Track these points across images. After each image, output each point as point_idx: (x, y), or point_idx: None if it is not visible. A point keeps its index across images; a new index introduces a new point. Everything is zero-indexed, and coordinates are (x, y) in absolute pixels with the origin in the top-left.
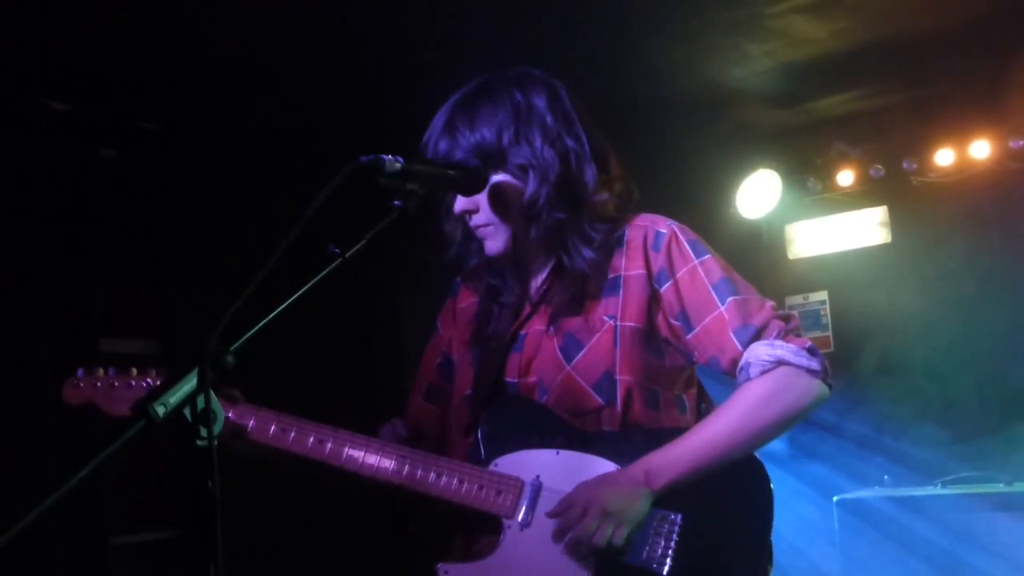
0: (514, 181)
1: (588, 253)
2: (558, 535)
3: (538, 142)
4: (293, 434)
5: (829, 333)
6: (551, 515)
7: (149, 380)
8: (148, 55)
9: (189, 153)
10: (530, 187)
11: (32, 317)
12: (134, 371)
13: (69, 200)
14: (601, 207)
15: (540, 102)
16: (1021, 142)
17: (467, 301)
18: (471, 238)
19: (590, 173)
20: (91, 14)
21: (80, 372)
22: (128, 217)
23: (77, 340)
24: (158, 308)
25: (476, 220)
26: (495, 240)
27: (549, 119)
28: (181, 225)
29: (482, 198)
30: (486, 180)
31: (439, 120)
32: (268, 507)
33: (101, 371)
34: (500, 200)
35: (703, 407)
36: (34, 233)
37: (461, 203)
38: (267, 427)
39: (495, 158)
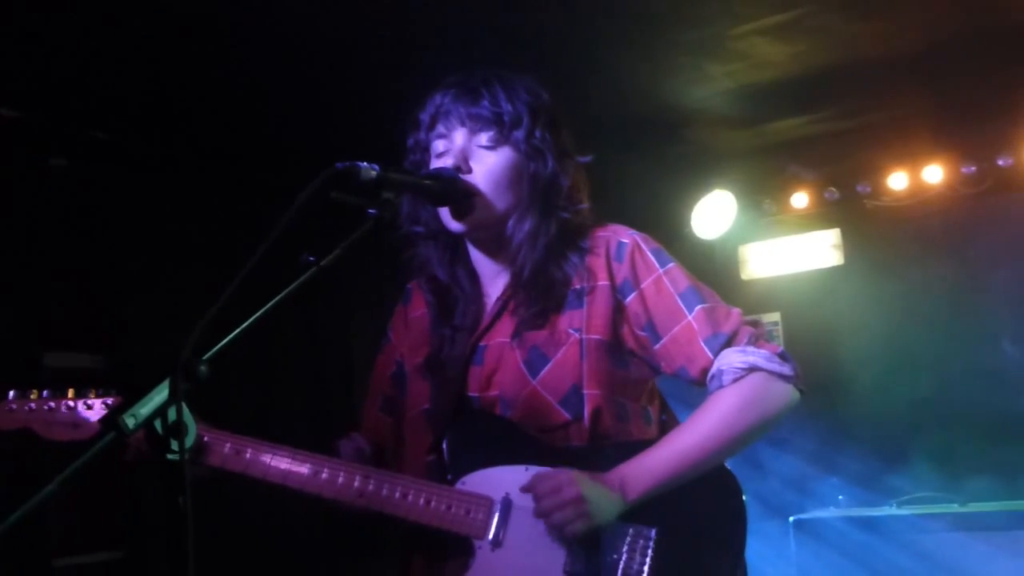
0: (518, 158)
1: (552, 263)
2: (533, 512)
3: (546, 132)
4: (248, 455)
5: None
6: (524, 489)
7: (88, 402)
8: (100, 62)
9: (140, 163)
10: (531, 167)
11: None
12: (71, 392)
13: (16, 209)
14: (572, 216)
15: (547, 99)
16: (973, 168)
17: (419, 310)
18: (432, 221)
19: (566, 181)
20: (41, 20)
21: (12, 395)
22: (77, 228)
23: (21, 354)
24: (106, 322)
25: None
26: (471, 211)
27: (553, 117)
28: (131, 237)
29: (481, 160)
30: (462, 190)
31: (453, 90)
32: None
33: (35, 393)
34: (498, 168)
35: (664, 419)
36: None
37: (456, 153)
38: (221, 448)
39: (511, 129)
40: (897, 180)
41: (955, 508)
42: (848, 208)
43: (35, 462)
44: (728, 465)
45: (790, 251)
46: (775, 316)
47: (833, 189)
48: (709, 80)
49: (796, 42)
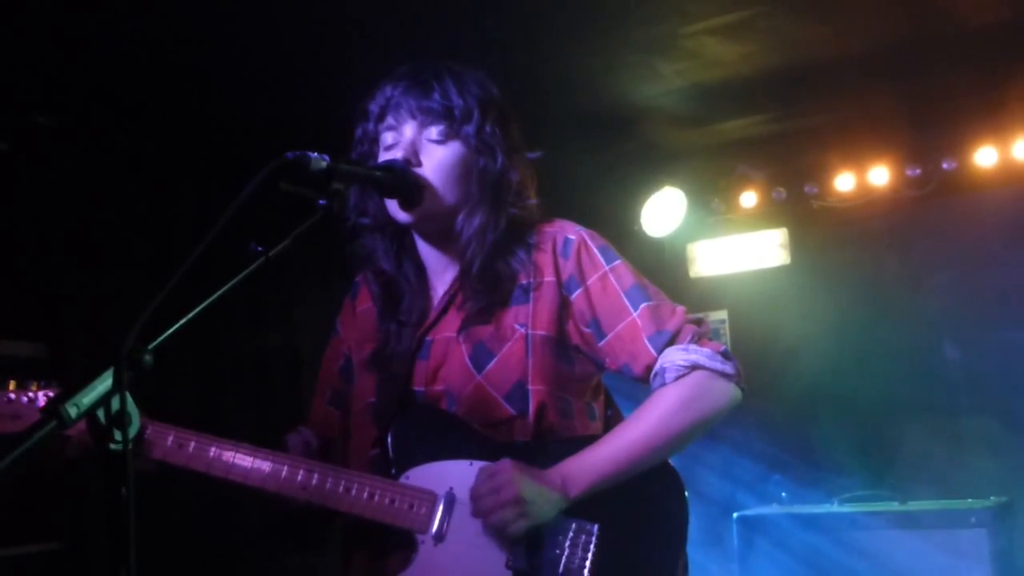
0: (468, 153)
1: (500, 259)
2: (472, 512)
3: (496, 128)
4: (191, 448)
5: None
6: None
7: (30, 394)
8: (42, 46)
9: (83, 148)
10: (480, 162)
11: None
12: (12, 384)
13: None
14: (520, 212)
15: (498, 95)
16: (918, 170)
17: (366, 304)
18: (380, 213)
19: (515, 176)
20: None
21: None
22: (18, 213)
23: None
24: (47, 310)
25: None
26: (420, 203)
27: (503, 112)
28: (73, 223)
29: (431, 154)
30: (413, 183)
31: (404, 81)
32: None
33: None
34: (447, 162)
35: (610, 414)
36: None
37: (405, 146)
38: (163, 440)
39: (461, 124)
40: (844, 181)
41: (895, 507)
42: (795, 208)
43: None
44: (672, 462)
45: (738, 250)
46: (722, 314)
47: (781, 189)
48: (660, 78)
49: (747, 42)
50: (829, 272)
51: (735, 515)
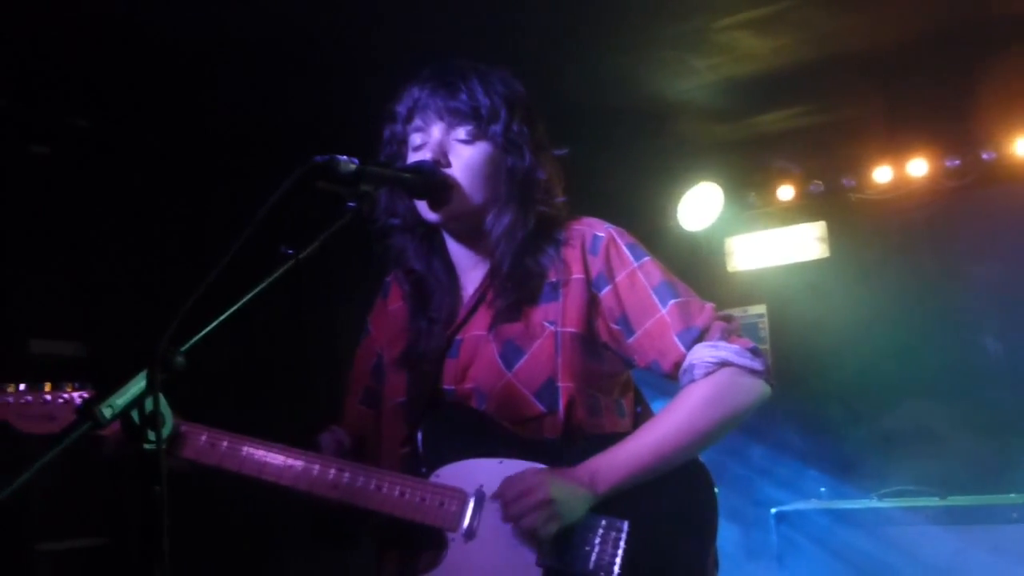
0: (496, 152)
1: (529, 256)
2: (503, 518)
3: (523, 126)
4: (224, 448)
5: (767, 346)
6: (494, 495)
7: (65, 395)
8: (82, 50)
9: (122, 151)
10: (508, 161)
11: None
12: (48, 386)
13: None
14: (548, 209)
15: (523, 93)
16: (957, 161)
17: (397, 303)
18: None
19: (543, 174)
20: (23, 9)
21: None
22: (60, 216)
23: (7, 341)
24: (86, 310)
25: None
26: (448, 202)
27: (530, 110)
28: (114, 225)
29: (459, 154)
30: (442, 184)
31: (431, 82)
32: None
33: (11, 387)
34: (476, 162)
35: (639, 411)
36: None
37: (434, 147)
38: (197, 440)
39: (489, 123)
40: (882, 173)
41: (936, 502)
42: (833, 201)
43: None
44: (711, 457)
45: (776, 244)
46: (760, 308)
47: (818, 182)
48: (693, 73)
49: (779, 36)
50: (868, 265)
51: (773, 511)
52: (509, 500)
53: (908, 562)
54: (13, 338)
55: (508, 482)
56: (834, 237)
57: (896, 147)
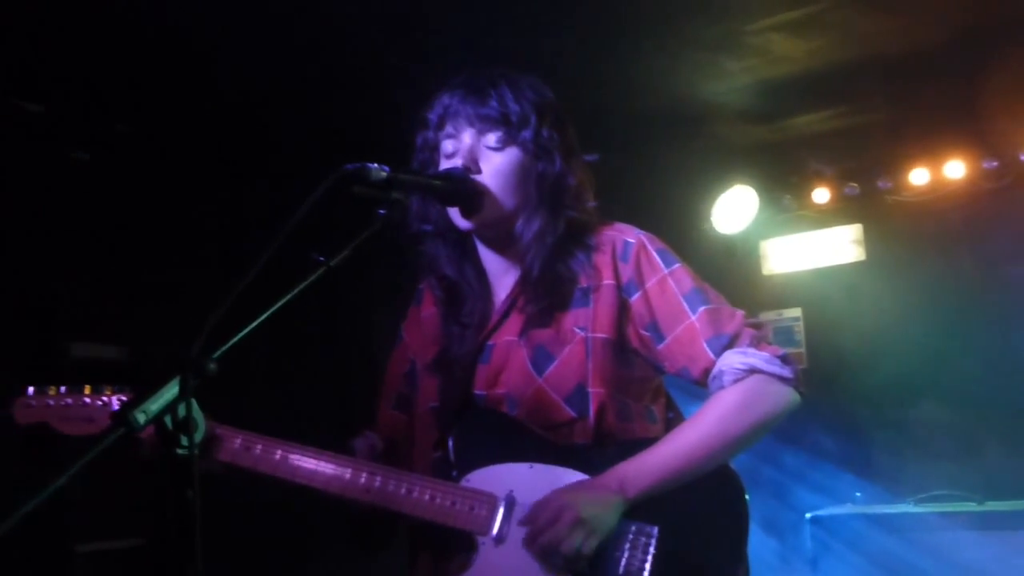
0: (526, 158)
1: (560, 262)
2: (528, 542)
3: (553, 132)
4: (258, 452)
5: (803, 349)
6: (522, 522)
7: (104, 398)
8: (122, 56)
9: (162, 156)
10: (539, 167)
11: (3, 321)
12: (87, 389)
13: (41, 203)
14: (579, 214)
15: (553, 98)
16: (995, 163)
17: (429, 309)
18: (441, 220)
19: (573, 180)
20: (65, 15)
21: (31, 391)
22: (100, 220)
23: (48, 345)
24: (129, 313)
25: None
26: (480, 209)
27: (559, 116)
28: (153, 229)
29: (489, 161)
30: (473, 191)
31: (461, 89)
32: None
33: (52, 389)
34: (506, 168)
35: (671, 417)
36: (5, 236)
37: (465, 154)
38: (231, 444)
39: (519, 130)
40: (918, 175)
41: (973, 507)
42: (869, 204)
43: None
44: (747, 461)
45: (811, 246)
46: (796, 311)
47: (854, 184)
48: (727, 75)
49: (813, 37)
50: (904, 268)
51: (808, 515)
52: (540, 529)
53: (945, 567)
54: (54, 342)
55: (536, 509)
56: (870, 240)
57: (933, 149)
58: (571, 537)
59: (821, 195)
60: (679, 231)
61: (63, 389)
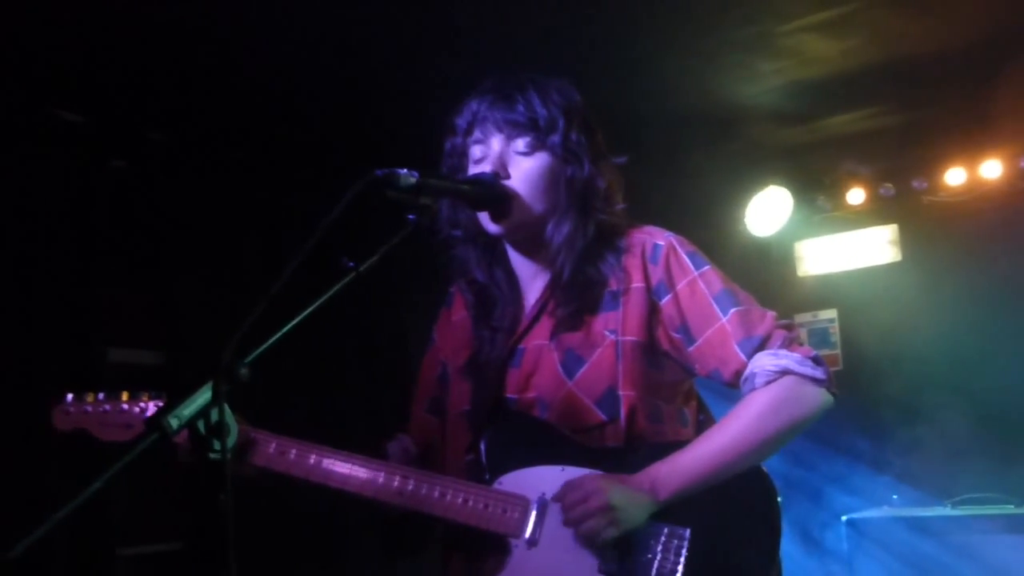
0: (555, 162)
1: (590, 265)
2: (563, 523)
3: (581, 136)
4: (292, 456)
5: (838, 351)
6: (554, 498)
7: (142, 404)
8: (158, 65)
9: (198, 164)
10: (568, 171)
11: (41, 327)
12: (125, 395)
13: (78, 210)
14: (608, 217)
15: (580, 102)
16: None
17: (460, 313)
18: (471, 225)
19: (602, 183)
20: (102, 24)
21: (70, 398)
22: (137, 228)
23: (85, 350)
24: (165, 319)
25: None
26: (509, 214)
27: (587, 119)
28: (189, 236)
29: (518, 166)
30: (502, 195)
31: (489, 95)
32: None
33: (91, 396)
34: (535, 173)
35: (702, 419)
36: (44, 243)
37: (494, 159)
38: (266, 449)
39: (547, 134)
40: (955, 175)
41: (1011, 509)
42: (905, 204)
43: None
44: (781, 464)
45: (846, 247)
46: (831, 313)
47: (889, 185)
48: (759, 77)
49: (846, 38)
50: (941, 269)
51: (844, 518)
52: (569, 505)
53: (982, 570)
54: (91, 347)
55: (568, 487)
56: (906, 241)
57: (969, 148)
58: (592, 521)
59: (856, 196)
60: (713, 233)
61: (101, 396)
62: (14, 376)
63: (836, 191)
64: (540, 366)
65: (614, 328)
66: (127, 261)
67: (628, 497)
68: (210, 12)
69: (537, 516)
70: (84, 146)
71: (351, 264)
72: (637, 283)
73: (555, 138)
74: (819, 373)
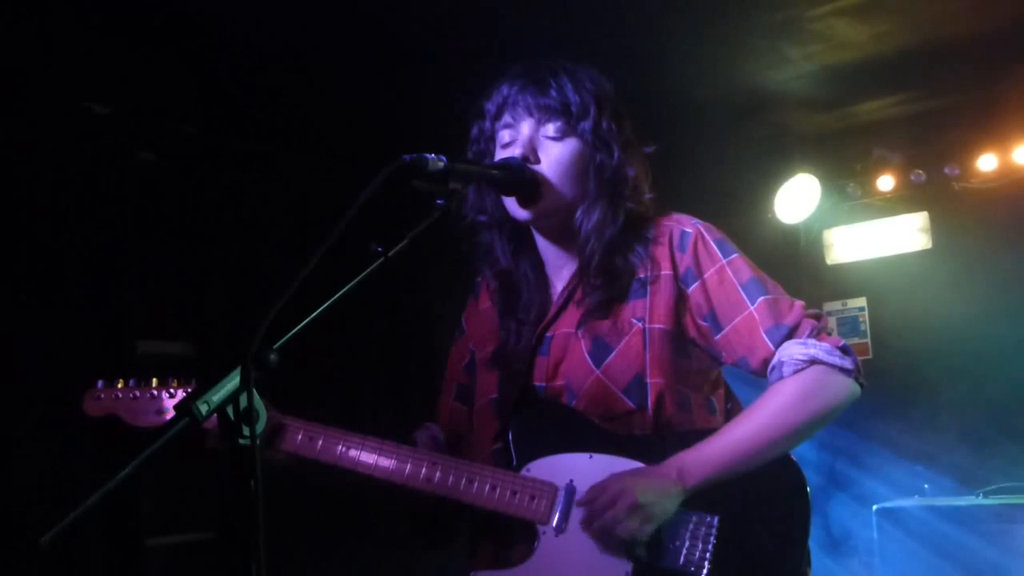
0: (585, 149)
1: (618, 254)
2: (585, 524)
3: (611, 123)
4: (320, 443)
5: (867, 340)
6: (580, 503)
7: (171, 390)
8: (187, 58)
9: (227, 156)
10: (597, 158)
11: (71, 319)
12: (155, 381)
13: (108, 202)
14: (637, 206)
15: (611, 90)
16: None
17: (487, 303)
18: (497, 210)
19: (631, 171)
20: (131, 17)
21: (100, 384)
22: (166, 220)
23: (115, 341)
24: (194, 310)
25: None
26: (538, 199)
27: (618, 108)
28: (218, 227)
29: (548, 151)
30: (531, 180)
31: (520, 79)
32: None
33: (121, 382)
34: (565, 159)
35: (730, 407)
36: (73, 235)
37: (523, 143)
38: (295, 435)
39: (578, 120)
40: (986, 161)
41: None
42: (936, 191)
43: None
44: (811, 452)
45: (876, 235)
46: (861, 301)
47: (919, 171)
48: (789, 63)
49: (877, 22)
50: (972, 256)
51: (874, 507)
52: (597, 512)
53: (1014, 559)
54: (121, 339)
55: (593, 492)
56: (937, 228)
57: (1001, 134)
58: (627, 521)
59: (886, 183)
60: (741, 221)
61: (132, 382)
62: (45, 369)
63: (866, 178)
64: (568, 354)
65: (642, 316)
66: (156, 253)
67: (656, 490)
68: (239, 4)
69: (565, 503)
70: (113, 138)
71: (379, 249)
72: (665, 271)
73: (586, 124)
74: (847, 363)
